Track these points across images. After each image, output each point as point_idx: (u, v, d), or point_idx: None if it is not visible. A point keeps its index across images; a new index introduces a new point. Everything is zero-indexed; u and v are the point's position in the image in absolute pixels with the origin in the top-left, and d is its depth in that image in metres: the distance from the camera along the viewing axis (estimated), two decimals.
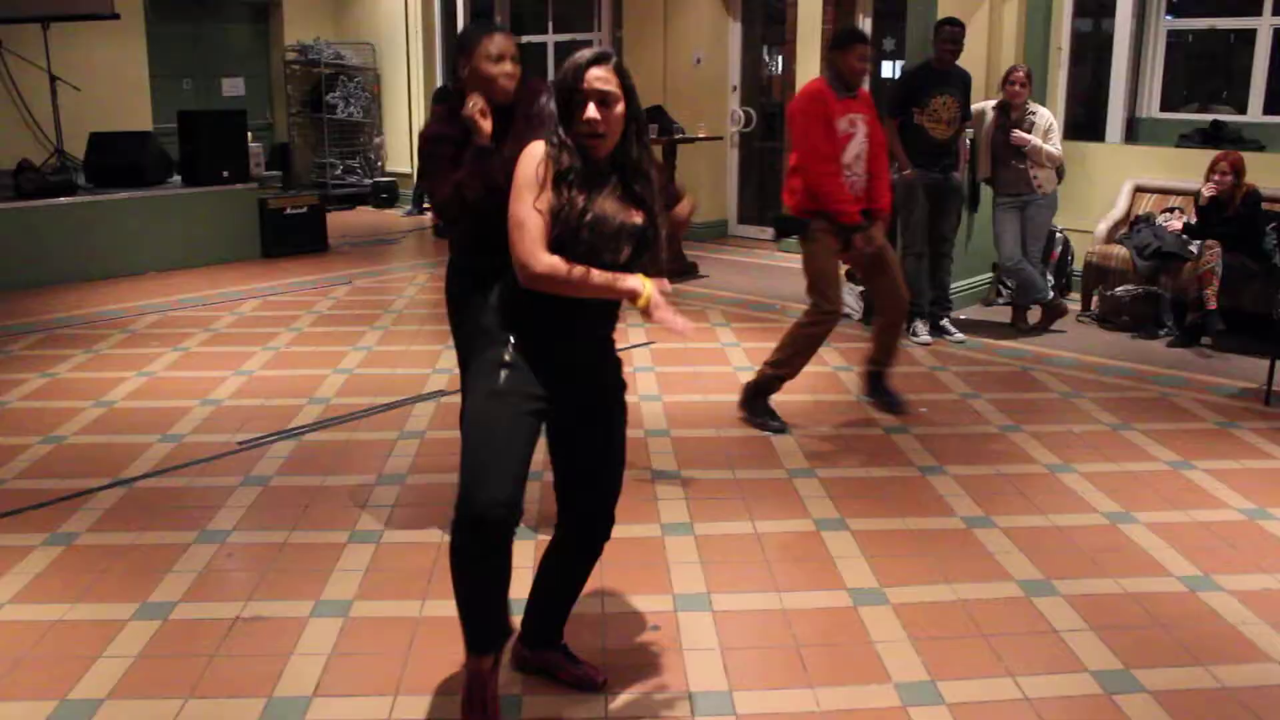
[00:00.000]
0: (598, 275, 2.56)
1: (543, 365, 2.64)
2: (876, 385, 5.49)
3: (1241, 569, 3.78)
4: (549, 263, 2.54)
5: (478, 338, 2.74)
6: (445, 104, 3.61)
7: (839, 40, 5.18)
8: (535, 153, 2.60)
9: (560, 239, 2.57)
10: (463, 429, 2.73)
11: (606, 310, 2.74)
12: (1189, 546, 3.94)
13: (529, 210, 2.56)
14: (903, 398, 5.53)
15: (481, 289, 2.86)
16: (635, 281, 2.59)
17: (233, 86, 13.09)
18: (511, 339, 2.63)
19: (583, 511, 2.85)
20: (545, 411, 2.66)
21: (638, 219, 2.64)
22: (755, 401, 5.31)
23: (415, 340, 6.73)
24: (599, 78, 2.56)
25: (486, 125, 3.35)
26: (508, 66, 3.43)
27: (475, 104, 3.35)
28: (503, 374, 2.60)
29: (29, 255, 8.42)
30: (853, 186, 5.12)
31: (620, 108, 2.58)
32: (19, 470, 4.67)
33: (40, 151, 10.03)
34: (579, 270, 2.55)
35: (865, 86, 5.33)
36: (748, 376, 5.53)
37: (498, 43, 3.41)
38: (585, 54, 2.60)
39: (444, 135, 3.48)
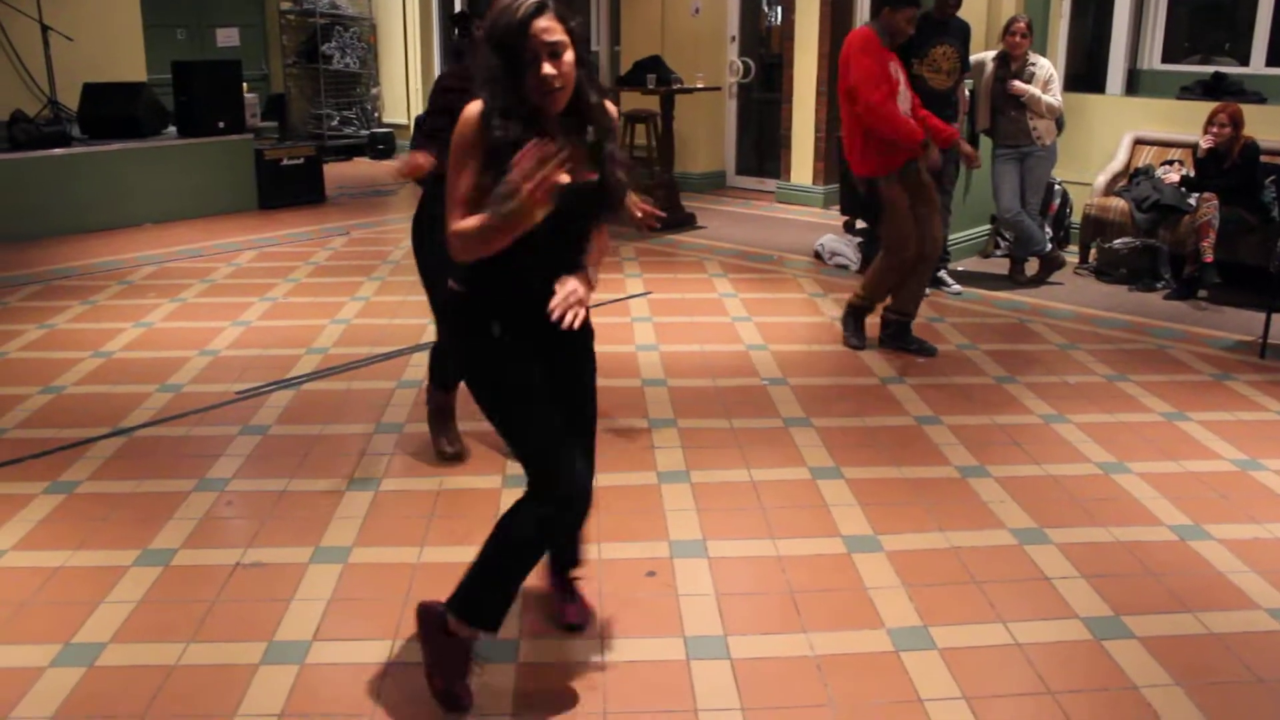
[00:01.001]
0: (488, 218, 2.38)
1: (524, 332, 2.60)
2: (903, 334, 5.71)
3: (1232, 519, 3.81)
4: (456, 228, 2.44)
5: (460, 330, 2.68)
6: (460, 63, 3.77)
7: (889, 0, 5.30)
8: (472, 115, 2.46)
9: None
10: (497, 418, 2.67)
11: (564, 260, 2.58)
12: (1181, 496, 3.98)
13: (456, 178, 2.46)
14: (929, 345, 5.70)
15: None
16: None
17: (227, 36, 12.99)
18: (497, 323, 2.58)
19: (583, 444, 2.82)
20: (539, 363, 2.67)
21: (591, 176, 2.53)
22: (851, 318, 5.78)
23: (412, 291, 6.70)
24: (545, 29, 2.38)
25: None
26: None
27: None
28: (506, 361, 2.59)
29: (24, 207, 8.39)
30: None
31: (570, 55, 2.42)
32: (19, 420, 4.69)
33: (34, 102, 9.94)
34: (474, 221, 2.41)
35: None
36: (745, 327, 5.60)
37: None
38: (522, 5, 2.39)
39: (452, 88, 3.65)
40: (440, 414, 4.31)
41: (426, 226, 3.93)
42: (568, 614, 3.09)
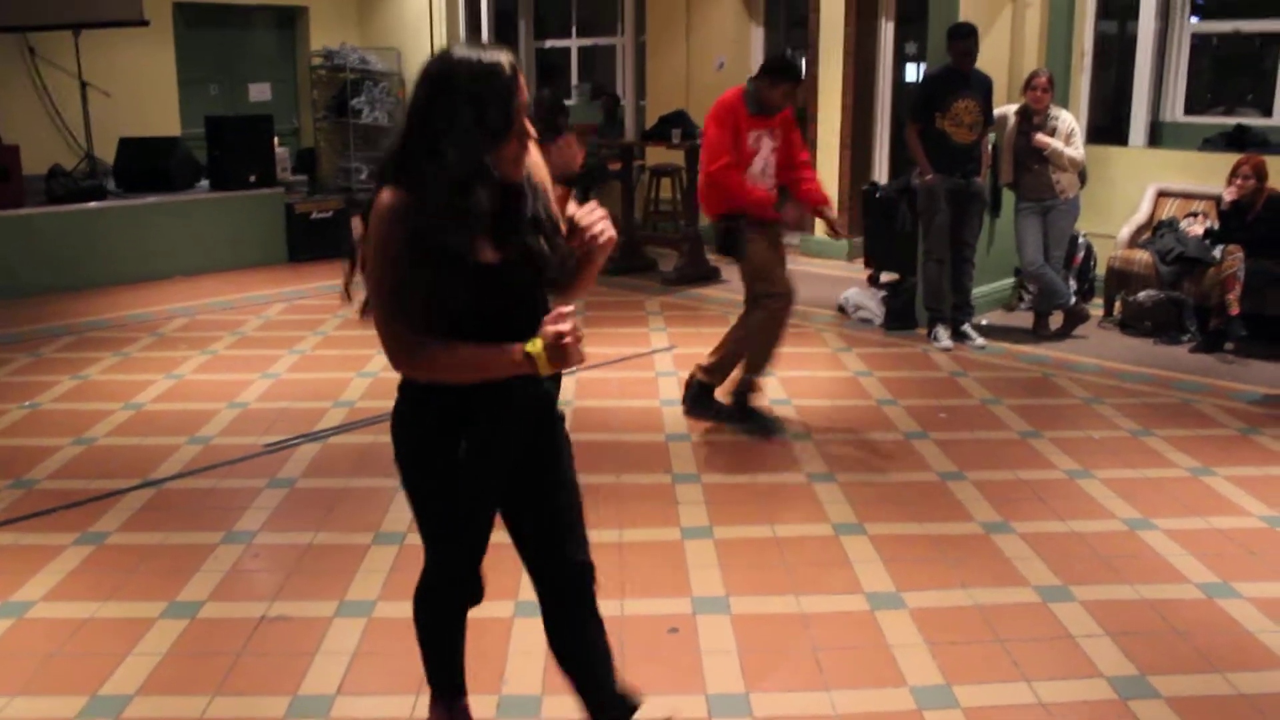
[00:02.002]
0: (480, 354, 2.17)
1: (494, 447, 2.34)
2: (708, 398, 5.48)
3: (1260, 576, 3.78)
4: (427, 352, 2.18)
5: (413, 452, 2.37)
6: None
7: (769, 70, 5.17)
8: (400, 204, 2.13)
9: (457, 308, 2.19)
10: (411, 490, 2.42)
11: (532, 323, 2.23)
12: (1207, 553, 3.95)
13: (394, 279, 2.15)
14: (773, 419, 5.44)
15: None
16: (521, 351, 2.13)
17: (259, 92, 13.20)
18: (463, 441, 2.29)
19: (560, 567, 2.49)
20: (497, 458, 2.38)
21: (529, 254, 2.24)
22: (740, 406, 5.36)
23: None
24: (524, 87, 2.16)
25: None
26: None
27: None
28: (459, 476, 2.32)
29: (60, 259, 8.54)
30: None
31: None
32: (51, 470, 4.76)
33: (71, 157, 10.16)
34: (464, 352, 2.18)
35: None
36: (768, 381, 5.60)
37: None
38: (500, 57, 2.12)
39: None
40: None
41: None
42: None
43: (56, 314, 7.74)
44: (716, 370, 5.42)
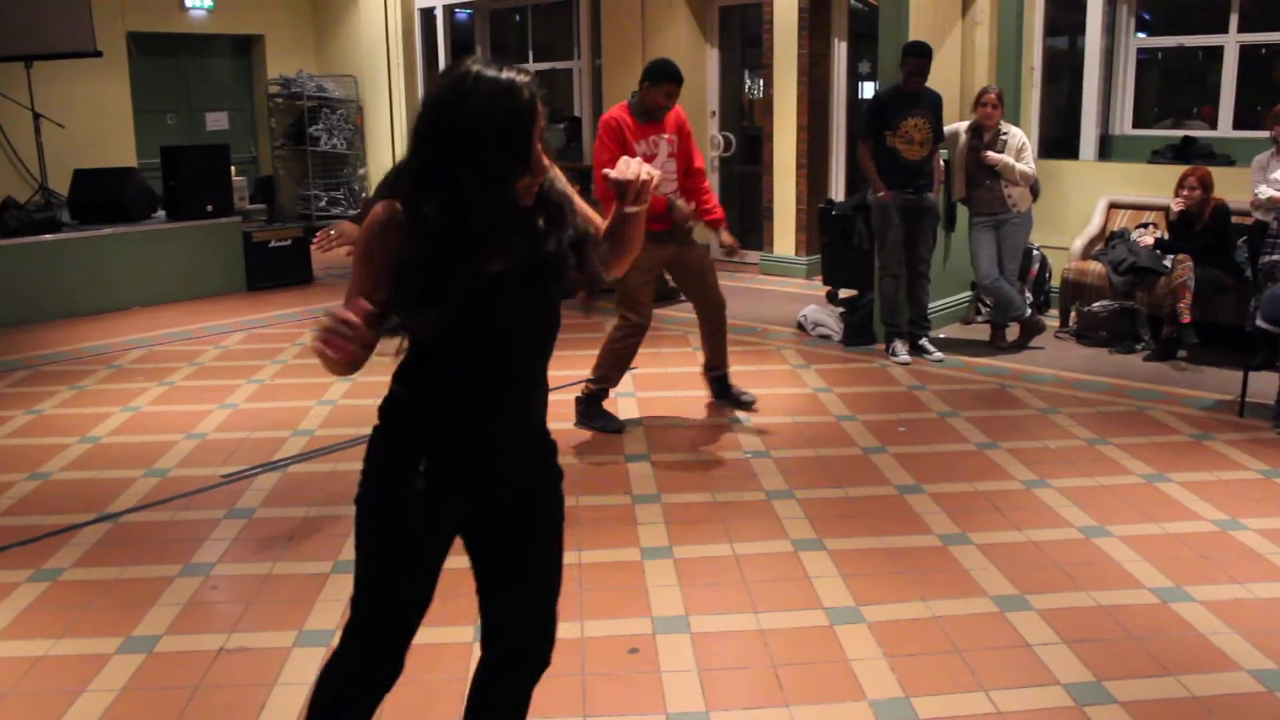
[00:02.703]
0: None
1: (459, 480, 2.11)
2: (722, 388, 5.97)
3: (1212, 579, 3.84)
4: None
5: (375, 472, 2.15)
6: None
7: (650, 73, 5.37)
8: (393, 219, 1.97)
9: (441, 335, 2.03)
10: (357, 531, 2.18)
11: (527, 366, 2.15)
12: (1161, 558, 4.00)
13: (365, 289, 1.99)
14: (748, 395, 5.92)
15: None
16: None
17: (216, 121, 13.18)
18: (423, 464, 2.07)
19: (505, 638, 2.29)
20: (453, 522, 2.19)
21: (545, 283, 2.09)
22: (590, 411, 5.63)
23: None
24: (541, 113, 2.00)
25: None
26: None
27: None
28: (408, 497, 2.08)
29: (13, 293, 8.46)
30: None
31: None
32: (5, 507, 4.70)
33: (24, 189, 10.09)
34: None
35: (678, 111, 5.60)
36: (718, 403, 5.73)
37: None
38: (519, 77, 1.96)
39: None
40: None
41: None
42: None
43: (10, 348, 7.66)
44: (601, 379, 5.64)
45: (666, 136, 5.43)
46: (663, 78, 5.32)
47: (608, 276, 2.22)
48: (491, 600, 2.26)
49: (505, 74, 1.95)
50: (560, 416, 5.63)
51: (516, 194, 2.00)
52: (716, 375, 5.96)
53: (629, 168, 2.09)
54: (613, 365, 5.61)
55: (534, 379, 2.17)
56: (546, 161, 2.04)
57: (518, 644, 2.28)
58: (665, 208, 5.33)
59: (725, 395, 5.96)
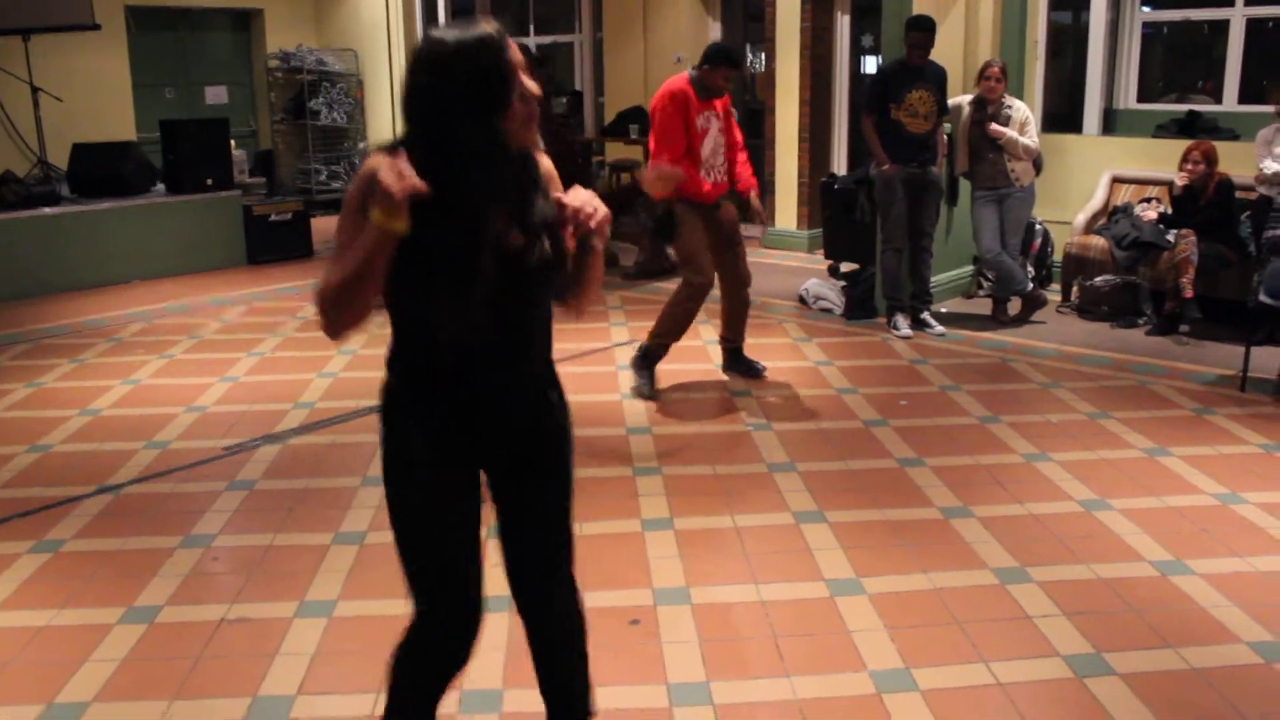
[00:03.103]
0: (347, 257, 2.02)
1: (459, 411, 2.19)
2: (735, 358, 6.08)
3: (1213, 553, 3.84)
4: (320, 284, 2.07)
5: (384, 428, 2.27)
6: None
7: (711, 57, 5.62)
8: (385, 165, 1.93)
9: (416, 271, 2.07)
10: (395, 530, 2.30)
11: (520, 344, 2.21)
12: (1162, 532, 4.00)
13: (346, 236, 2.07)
14: (759, 364, 6.04)
15: None
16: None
17: (216, 94, 13.10)
18: (421, 426, 2.18)
19: (529, 580, 2.41)
20: (471, 464, 2.26)
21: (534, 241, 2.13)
22: (641, 363, 5.78)
23: None
24: (515, 49, 2.07)
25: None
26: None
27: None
28: (417, 439, 2.19)
29: (13, 266, 8.43)
30: (713, 174, 5.65)
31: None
32: (5, 479, 4.70)
33: (23, 163, 10.03)
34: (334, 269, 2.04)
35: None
36: (730, 373, 5.72)
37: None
38: (483, 27, 2.04)
39: None
40: None
41: None
42: None
43: (11, 322, 7.65)
44: (660, 334, 5.78)
45: (719, 114, 5.68)
46: (724, 62, 5.58)
47: (570, 310, 2.28)
48: (508, 553, 2.37)
49: (474, 29, 2.04)
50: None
51: (504, 133, 2.05)
52: (732, 347, 6.05)
53: (577, 197, 2.09)
54: (672, 326, 5.72)
55: (518, 343, 2.20)
56: (534, 128, 2.11)
57: (543, 590, 2.41)
58: (714, 201, 5.64)
59: (737, 364, 6.07)
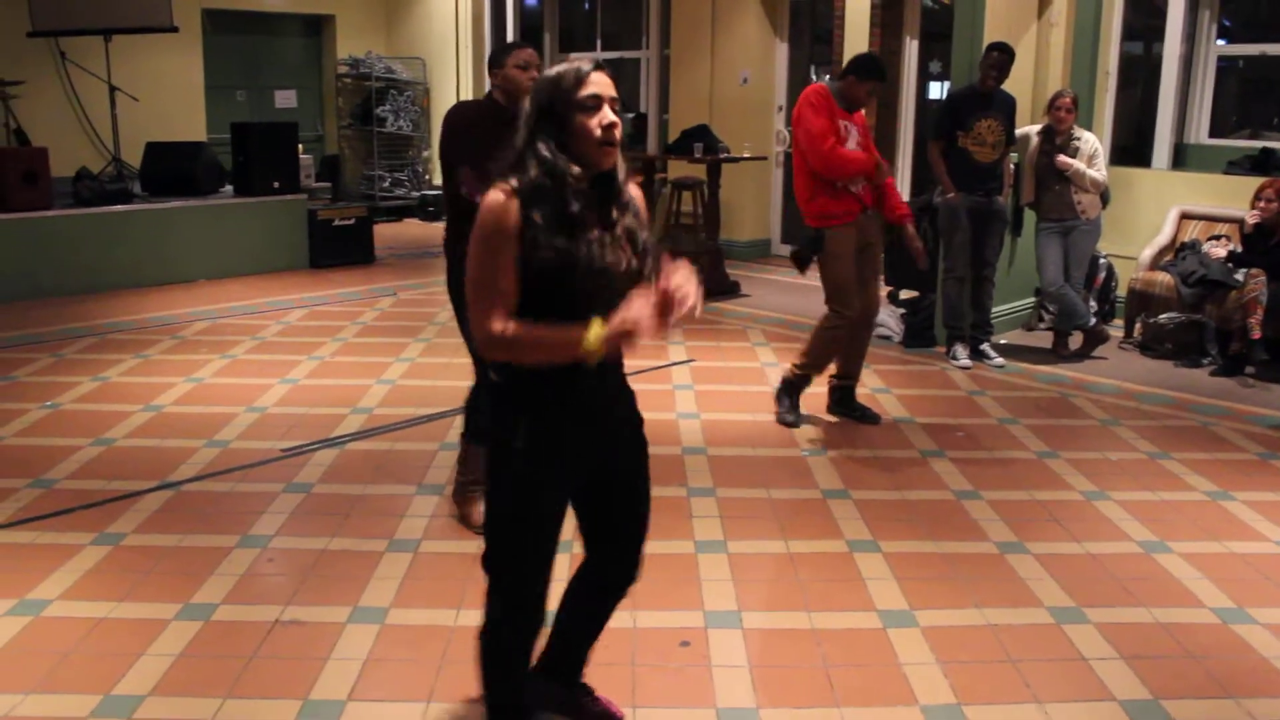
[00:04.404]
0: (548, 333, 2.24)
1: (563, 433, 2.41)
2: (847, 398, 5.78)
3: (1276, 602, 3.75)
4: (503, 333, 2.25)
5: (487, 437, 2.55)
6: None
7: (856, 67, 5.40)
8: (498, 199, 2.24)
9: (543, 291, 2.27)
10: (489, 508, 2.51)
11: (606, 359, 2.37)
12: (1224, 578, 3.92)
13: (491, 270, 2.25)
14: (873, 412, 5.77)
15: None
16: (581, 333, 2.19)
17: (285, 99, 13.33)
18: (525, 423, 2.37)
19: (613, 557, 2.69)
20: (567, 479, 2.49)
21: (632, 259, 2.36)
22: (785, 395, 5.69)
23: (458, 353, 6.79)
24: (608, 83, 2.31)
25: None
26: (533, 73, 4.04)
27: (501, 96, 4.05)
28: (524, 463, 2.37)
29: (84, 262, 8.63)
30: (853, 187, 5.37)
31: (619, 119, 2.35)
32: (70, 471, 4.80)
33: (98, 160, 10.28)
34: (533, 332, 2.24)
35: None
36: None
37: (524, 55, 4.09)
38: (580, 63, 2.31)
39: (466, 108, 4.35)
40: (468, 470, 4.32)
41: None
42: (590, 715, 2.91)
43: (79, 315, 7.81)
44: (815, 368, 5.67)
45: (859, 127, 5.47)
46: (871, 75, 5.37)
47: None
48: (602, 534, 2.65)
49: (564, 65, 2.33)
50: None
51: (581, 145, 2.29)
52: (846, 385, 5.77)
53: (681, 282, 2.20)
54: (819, 354, 5.59)
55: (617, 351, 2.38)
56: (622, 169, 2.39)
57: (622, 571, 2.70)
58: (874, 165, 5.38)
59: (848, 407, 5.76)
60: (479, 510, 4.12)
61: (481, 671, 2.60)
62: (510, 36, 12.86)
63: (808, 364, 5.60)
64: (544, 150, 2.28)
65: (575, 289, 2.27)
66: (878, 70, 5.42)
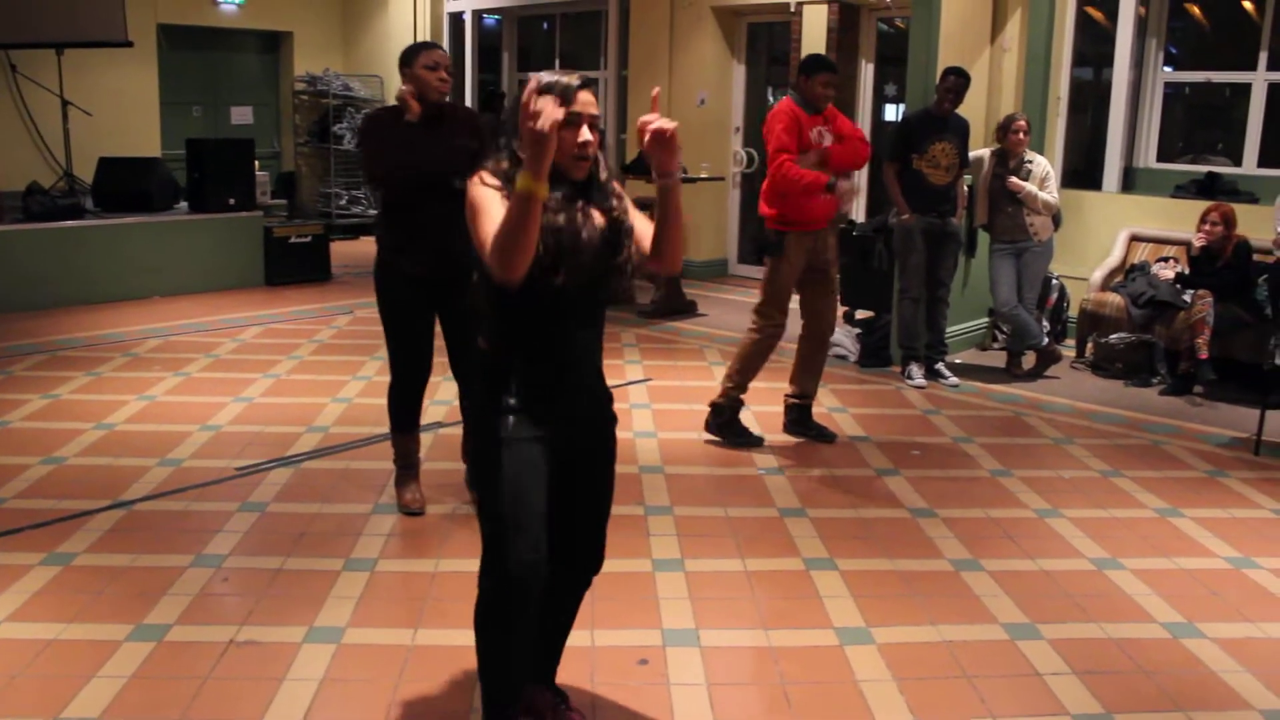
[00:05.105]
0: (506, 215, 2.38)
1: (541, 402, 2.61)
2: (803, 417, 5.79)
3: (1224, 617, 3.82)
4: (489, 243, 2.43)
5: (475, 380, 2.70)
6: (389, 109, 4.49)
7: (805, 67, 5.54)
8: (490, 181, 2.52)
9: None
10: (479, 476, 2.67)
11: (587, 327, 2.67)
12: (1174, 593, 3.99)
13: (490, 224, 2.45)
14: (830, 431, 5.79)
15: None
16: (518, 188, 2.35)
17: (241, 115, 13.24)
18: (514, 383, 2.59)
19: (577, 546, 2.80)
20: (547, 445, 2.63)
21: (604, 230, 2.59)
22: (723, 422, 5.63)
23: None
24: (590, 102, 2.54)
25: (415, 105, 4.28)
26: (442, 74, 4.28)
27: (408, 89, 4.30)
28: (510, 420, 2.57)
29: (34, 277, 8.50)
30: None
31: (598, 134, 2.59)
32: (19, 490, 4.72)
33: (49, 175, 10.14)
34: (500, 225, 2.38)
35: (834, 107, 5.67)
36: (743, 415, 5.71)
37: (434, 56, 4.30)
38: (569, 78, 2.52)
39: (381, 117, 4.49)
40: (404, 464, 4.64)
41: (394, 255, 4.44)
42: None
43: (28, 332, 7.69)
44: (737, 385, 5.65)
45: (831, 125, 5.55)
46: (818, 68, 5.48)
47: (663, 263, 2.66)
48: (565, 519, 2.71)
49: (563, 78, 2.51)
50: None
51: (563, 153, 2.47)
52: (803, 404, 5.78)
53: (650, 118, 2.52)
54: (748, 367, 5.61)
55: (589, 331, 2.68)
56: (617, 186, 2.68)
57: (584, 557, 2.84)
58: (825, 183, 5.39)
59: (804, 425, 5.77)
60: None
61: (479, 657, 2.67)
62: (469, 55, 12.87)
63: (739, 382, 5.62)
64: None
65: (545, 260, 2.46)
66: (820, 62, 5.55)
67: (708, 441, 5.62)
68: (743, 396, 5.67)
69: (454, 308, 4.39)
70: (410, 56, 4.30)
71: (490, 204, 2.48)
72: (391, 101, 13.32)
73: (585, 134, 2.51)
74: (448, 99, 4.38)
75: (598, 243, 2.57)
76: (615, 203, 2.64)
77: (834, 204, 5.51)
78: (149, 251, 9.15)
